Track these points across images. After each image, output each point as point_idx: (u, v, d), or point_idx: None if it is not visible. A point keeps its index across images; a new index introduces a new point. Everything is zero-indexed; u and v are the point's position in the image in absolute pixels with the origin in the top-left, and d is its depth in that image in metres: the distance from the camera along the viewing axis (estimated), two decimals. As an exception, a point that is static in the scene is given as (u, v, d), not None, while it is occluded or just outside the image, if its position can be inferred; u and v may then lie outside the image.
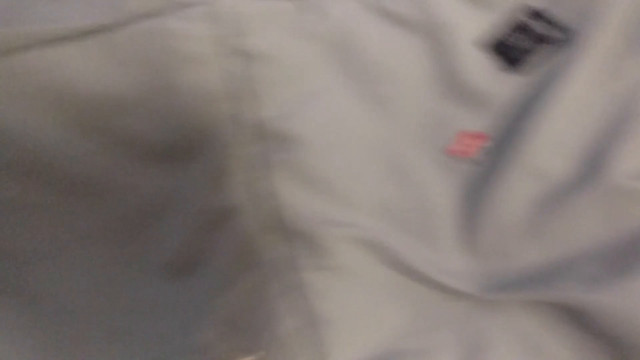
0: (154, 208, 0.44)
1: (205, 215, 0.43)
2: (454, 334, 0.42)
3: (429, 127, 0.48)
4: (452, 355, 0.42)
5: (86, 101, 0.44)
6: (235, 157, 0.45)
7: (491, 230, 0.45)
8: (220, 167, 0.43)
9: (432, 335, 0.43)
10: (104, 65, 0.44)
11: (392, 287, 0.44)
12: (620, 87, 0.47)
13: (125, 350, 0.41)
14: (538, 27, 0.49)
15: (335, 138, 0.46)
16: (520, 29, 0.49)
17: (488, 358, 0.42)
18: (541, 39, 0.48)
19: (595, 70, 0.47)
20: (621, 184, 0.44)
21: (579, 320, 0.41)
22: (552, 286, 0.42)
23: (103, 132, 0.44)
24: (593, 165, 0.45)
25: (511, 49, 0.49)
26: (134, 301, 0.42)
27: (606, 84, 0.47)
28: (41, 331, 0.41)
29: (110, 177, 0.43)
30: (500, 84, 0.48)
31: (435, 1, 0.50)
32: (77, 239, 0.43)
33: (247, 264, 0.42)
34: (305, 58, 0.48)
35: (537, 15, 0.49)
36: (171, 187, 0.44)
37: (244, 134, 0.45)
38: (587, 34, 0.48)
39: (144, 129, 0.44)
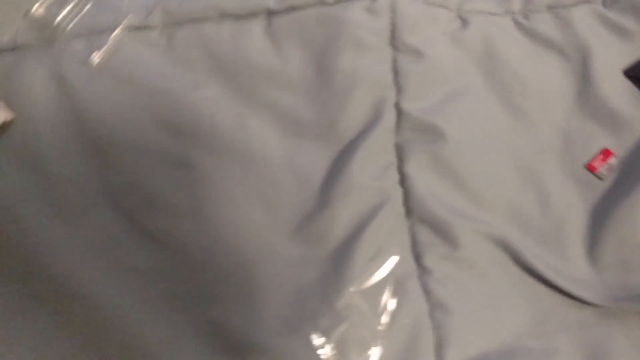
0: (302, 178, 0.46)
1: (353, 190, 0.45)
2: (576, 339, 0.44)
3: (566, 142, 0.50)
4: (574, 358, 0.43)
5: (254, 75, 0.48)
6: (386, 140, 0.47)
7: (617, 243, 0.46)
8: (373, 148, 0.46)
9: (554, 338, 0.44)
10: (278, 44, 0.49)
11: (517, 285, 0.46)
12: None
13: (259, 307, 0.42)
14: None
15: (474, 137, 0.49)
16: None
17: (607, 365, 0.42)
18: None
19: None
20: None
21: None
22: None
23: (264, 105, 0.47)
24: None
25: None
26: (273, 261, 0.44)
27: None
28: (172, 279, 0.43)
29: (262, 145, 0.46)
30: (637, 109, 0.50)
31: (581, 27, 0.52)
32: (221, 198, 0.45)
33: (387, 241, 0.45)
34: (452, 60, 0.51)
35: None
36: (322, 161, 0.47)
37: (392, 121, 0.48)
38: None
39: (304, 106, 0.47)
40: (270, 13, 0.49)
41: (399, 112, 0.48)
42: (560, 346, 0.43)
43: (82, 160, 0.44)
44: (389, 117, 0.48)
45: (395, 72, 0.49)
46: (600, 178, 0.48)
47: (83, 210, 0.43)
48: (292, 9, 0.49)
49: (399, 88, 0.49)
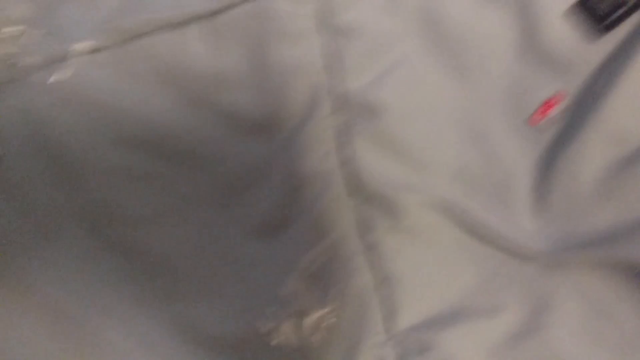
0: (252, 174, 0.49)
1: (297, 180, 0.48)
2: (521, 294, 0.46)
3: (510, 95, 0.50)
4: (519, 313, 0.45)
5: (196, 79, 0.50)
6: (324, 126, 0.49)
7: (563, 192, 0.47)
8: (312, 136, 0.48)
9: (500, 294, 0.46)
10: (214, 46, 0.50)
11: (463, 248, 0.47)
12: None
13: (216, 302, 0.46)
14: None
15: (416, 106, 0.50)
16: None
17: (553, 317, 0.45)
18: (625, 3, 0.48)
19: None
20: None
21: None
22: (622, 247, 0.44)
23: (209, 107, 0.50)
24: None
25: (596, 13, 0.49)
26: (227, 258, 0.48)
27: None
28: (139, 283, 0.47)
29: (212, 147, 0.49)
30: (583, 50, 0.49)
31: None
32: (179, 204, 0.49)
33: (330, 224, 0.47)
34: (388, 30, 0.51)
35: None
36: (267, 155, 0.49)
37: (332, 104, 0.50)
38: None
39: (245, 103, 0.50)
40: (201, 18, 0.51)
41: (336, 96, 0.50)
42: (505, 302, 0.45)
43: (53, 186, 0.48)
44: (325, 102, 0.50)
45: (327, 56, 0.50)
46: (542, 132, 0.48)
47: (58, 231, 0.48)
48: (220, 11, 0.51)
49: (332, 72, 0.50)
